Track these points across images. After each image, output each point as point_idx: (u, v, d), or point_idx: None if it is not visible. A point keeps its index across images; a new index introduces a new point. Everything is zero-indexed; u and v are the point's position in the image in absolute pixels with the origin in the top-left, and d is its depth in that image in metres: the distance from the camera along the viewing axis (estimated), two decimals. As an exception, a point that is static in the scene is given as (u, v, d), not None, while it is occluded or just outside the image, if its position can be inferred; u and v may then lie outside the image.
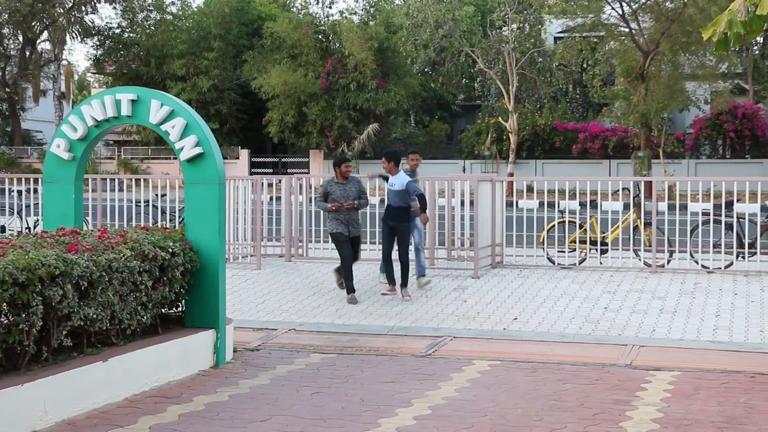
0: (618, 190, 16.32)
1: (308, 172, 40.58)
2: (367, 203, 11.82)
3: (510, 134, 37.42)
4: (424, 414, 6.76)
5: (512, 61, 36.94)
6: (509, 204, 18.79)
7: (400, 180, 11.68)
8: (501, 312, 11.07)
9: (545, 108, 42.75)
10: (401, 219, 11.76)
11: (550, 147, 41.08)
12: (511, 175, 35.03)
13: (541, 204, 19.57)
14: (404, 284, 11.80)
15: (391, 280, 11.98)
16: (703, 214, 14.55)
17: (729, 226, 13.71)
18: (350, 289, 11.66)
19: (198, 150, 8.46)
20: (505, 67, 37.95)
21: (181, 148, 8.49)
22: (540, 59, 42.46)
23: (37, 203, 16.85)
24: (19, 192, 17.86)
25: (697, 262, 13.64)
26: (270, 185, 17.25)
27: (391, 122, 43.34)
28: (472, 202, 14.15)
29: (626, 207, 15.68)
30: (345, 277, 11.69)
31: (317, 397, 7.28)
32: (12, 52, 47.53)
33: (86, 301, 7.01)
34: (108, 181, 17.12)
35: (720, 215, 13.86)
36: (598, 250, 14.34)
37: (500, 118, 38.76)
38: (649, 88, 32.33)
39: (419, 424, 6.50)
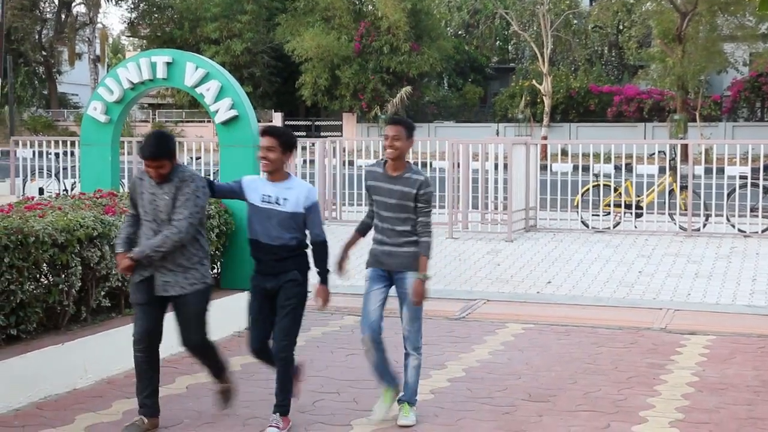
0: (653, 154, 16.17)
1: (341, 135, 40.60)
2: (180, 234, 5.41)
3: (544, 97, 37.12)
4: (458, 376, 6.80)
5: (547, 23, 36.54)
6: (543, 167, 18.69)
7: (296, 190, 5.62)
8: (535, 275, 11.05)
9: (580, 70, 42.31)
10: (291, 271, 5.67)
11: (585, 110, 40.70)
12: (545, 138, 34.78)
13: (576, 167, 19.47)
14: (281, 404, 5.63)
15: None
16: (740, 177, 14.40)
17: (766, 190, 13.56)
18: (142, 407, 5.65)
19: (233, 112, 8.48)
20: (540, 29, 37.57)
21: (216, 111, 8.52)
22: (575, 21, 41.99)
23: (74, 165, 17.02)
24: (57, 154, 18.02)
25: (733, 226, 13.52)
26: (303, 148, 17.27)
27: (424, 85, 43.15)
28: (506, 166, 14.09)
29: (662, 170, 15.53)
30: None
31: (352, 359, 7.34)
32: (48, 16, 47.79)
33: (122, 262, 7.08)
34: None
35: (757, 179, 13.69)
36: (633, 214, 14.24)
37: (534, 81, 38.44)
38: (686, 50, 31.87)
39: (453, 386, 6.54)
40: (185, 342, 5.69)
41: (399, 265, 5.74)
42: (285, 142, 5.61)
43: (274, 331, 5.68)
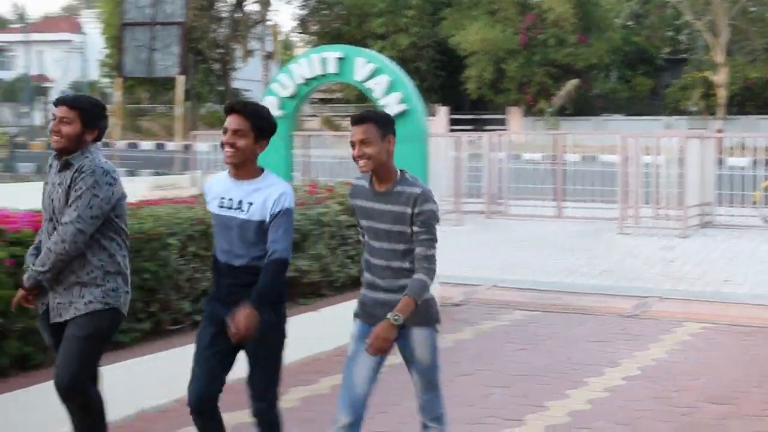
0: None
1: (506, 129, 40.34)
2: (64, 244, 4.09)
3: (719, 88, 35.63)
4: (632, 375, 6.60)
5: (722, 11, 35.02)
6: (719, 161, 17.97)
7: (265, 191, 4.10)
8: (711, 273, 10.61)
9: (759, 60, 40.34)
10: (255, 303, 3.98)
11: (764, 102, 38.79)
12: (721, 131, 33.36)
13: (755, 162, 18.61)
14: None
15: None
16: None
17: None
18: None
19: (402, 107, 8.56)
20: (714, 18, 36.06)
21: (386, 105, 8.60)
22: (753, 8, 40.07)
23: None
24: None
25: None
26: (471, 142, 17.26)
27: (592, 78, 42.27)
28: (679, 160, 13.63)
29: None
30: None
31: (522, 354, 7.26)
32: (223, 15, 49.73)
33: (298, 253, 7.26)
34: (312, 137, 17.64)
35: None
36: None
37: (708, 72, 36.94)
38: None
39: (628, 385, 6.35)
40: (55, 380, 4.17)
41: None
42: (259, 124, 4.04)
43: (248, 389, 4.17)
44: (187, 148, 22.37)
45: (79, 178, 4.09)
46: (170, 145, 31.45)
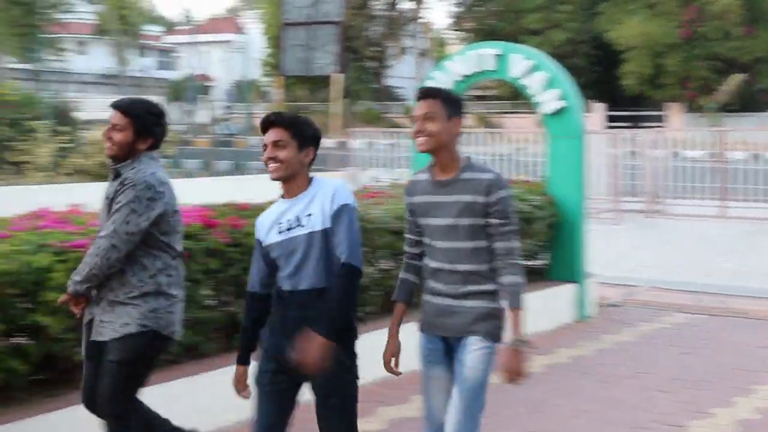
0: None
1: (662, 126, 39.17)
2: (96, 258, 3.82)
3: None
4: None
5: None
6: None
7: (320, 196, 3.56)
8: None
9: None
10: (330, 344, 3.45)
11: None
12: None
13: None
14: None
15: None
16: None
17: None
18: None
19: (560, 104, 8.43)
20: None
21: (543, 102, 8.50)
22: None
23: (400, 156, 17.76)
24: (387, 145, 18.90)
25: None
26: (628, 139, 16.86)
27: (758, 72, 40.49)
28: None
29: None
30: None
31: (684, 358, 7.02)
32: (377, 13, 50.42)
33: (454, 250, 7.26)
34: (466, 134, 17.62)
35: None
36: None
37: None
38: None
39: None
40: (98, 410, 3.98)
41: (460, 328, 3.55)
42: (300, 133, 3.60)
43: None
44: (342, 144, 22.79)
45: (121, 191, 3.83)
46: (327, 142, 32.07)
